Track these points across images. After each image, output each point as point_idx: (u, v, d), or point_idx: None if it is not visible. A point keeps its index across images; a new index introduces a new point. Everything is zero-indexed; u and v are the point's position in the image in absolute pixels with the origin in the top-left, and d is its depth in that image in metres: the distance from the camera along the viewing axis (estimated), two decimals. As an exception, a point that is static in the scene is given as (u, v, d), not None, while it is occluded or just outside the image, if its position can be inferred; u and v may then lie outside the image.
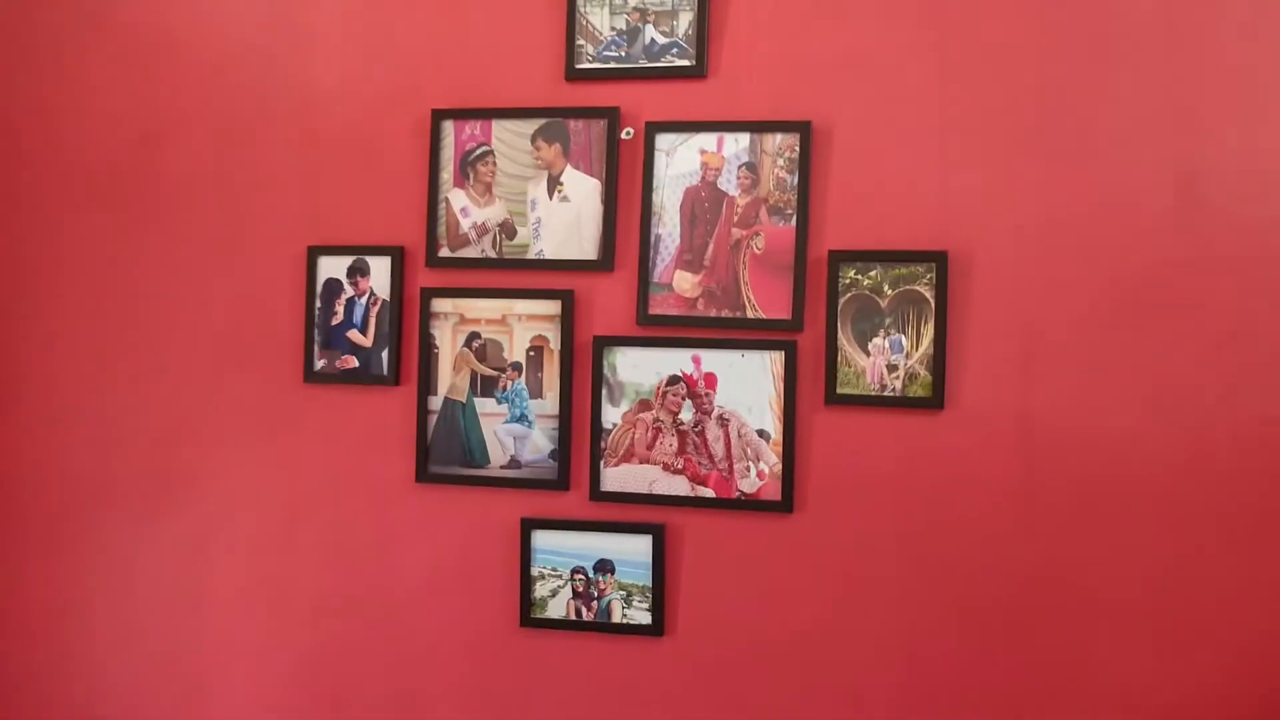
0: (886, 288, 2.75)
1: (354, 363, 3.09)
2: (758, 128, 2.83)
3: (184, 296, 3.18)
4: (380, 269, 3.06)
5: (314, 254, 3.10)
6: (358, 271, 3.08)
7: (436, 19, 3.05)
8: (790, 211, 2.82)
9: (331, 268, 3.09)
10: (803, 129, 2.81)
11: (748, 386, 2.81)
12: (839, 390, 2.75)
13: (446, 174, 3.03)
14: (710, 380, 2.84)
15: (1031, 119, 2.69)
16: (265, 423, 3.14)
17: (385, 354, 3.06)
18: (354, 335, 3.09)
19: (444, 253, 3.02)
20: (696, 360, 2.85)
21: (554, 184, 2.97)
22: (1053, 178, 2.68)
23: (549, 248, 2.97)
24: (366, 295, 3.08)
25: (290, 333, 3.13)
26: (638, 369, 2.89)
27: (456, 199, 3.01)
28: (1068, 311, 2.67)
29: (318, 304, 3.10)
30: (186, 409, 3.18)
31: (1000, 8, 2.71)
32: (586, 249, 2.94)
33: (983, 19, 2.72)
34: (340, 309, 3.10)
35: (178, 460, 3.19)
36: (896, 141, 2.78)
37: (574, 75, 2.96)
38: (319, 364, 3.11)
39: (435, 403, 3.03)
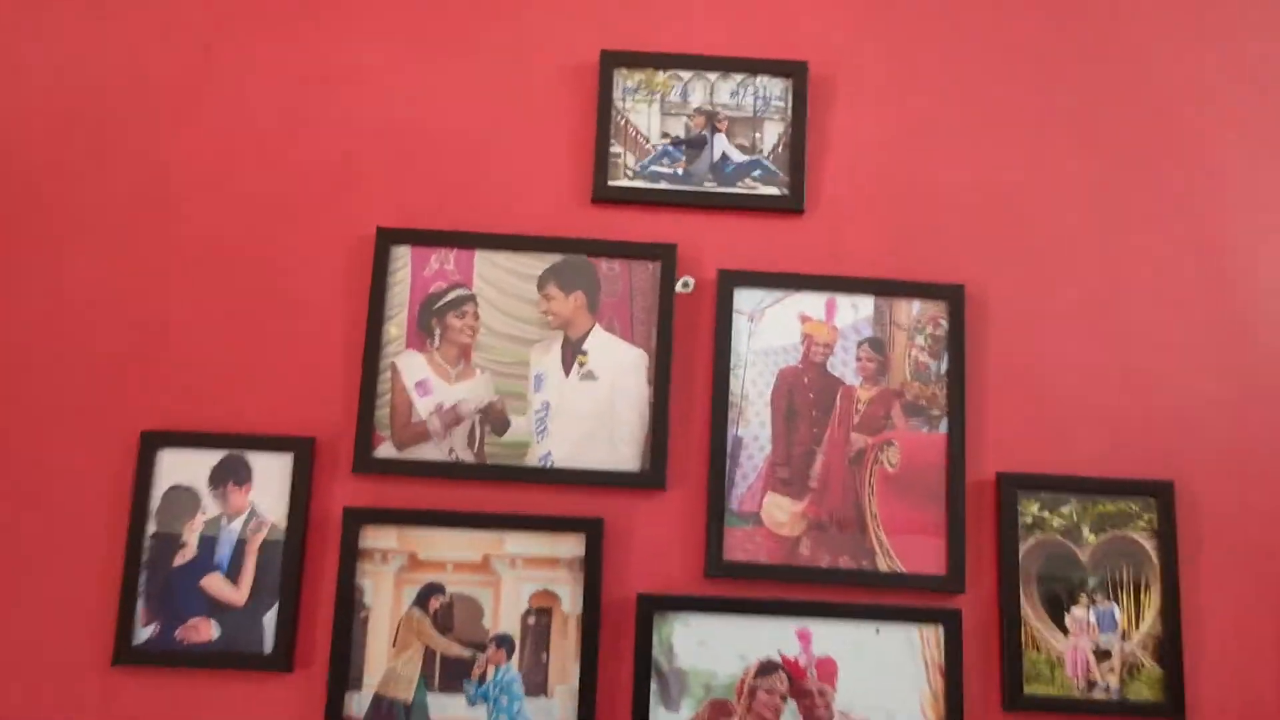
0: (1087, 531, 1.92)
1: (213, 632, 1.87)
2: (887, 288, 2.00)
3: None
4: (271, 474, 1.90)
5: (150, 445, 1.91)
6: (229, 476, 1.92)
7: (391, 98, 2.08)
8: (938, 412, 1.98)
9: (181, 468, 1.91)
10: (953, 295, 2.01)
11: (886, 679, 1.85)
12: (1026, 688, 1.84)
13: (395, 326, 1.99)
14: (826, 669, 1.86)
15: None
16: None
17: (271, 618, 1.87)
18: (214, 584, 1.88)
19: (384, 451, 1.92)
20: (804, 636, 1.87)
21: (573, 352, 1.99)
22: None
23: (562, 450, 1.94)
24: (243, 517, 1.91)
25: (98, 579, 1.90)
26: (708, 649, 1.86)
27: (410, 366, 1.96)
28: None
29: (150, 529, 1.89)
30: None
31: (1167, 147, 2.11)
32: (623, 454, 1.94)
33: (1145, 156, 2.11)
34: (192, 539, 1.90)
35: None
36: (1078, 314, 2.04)
37: (606, 196, 2.03)
38: (144, 633, 1.87)
39: (358, 704, 1.84)
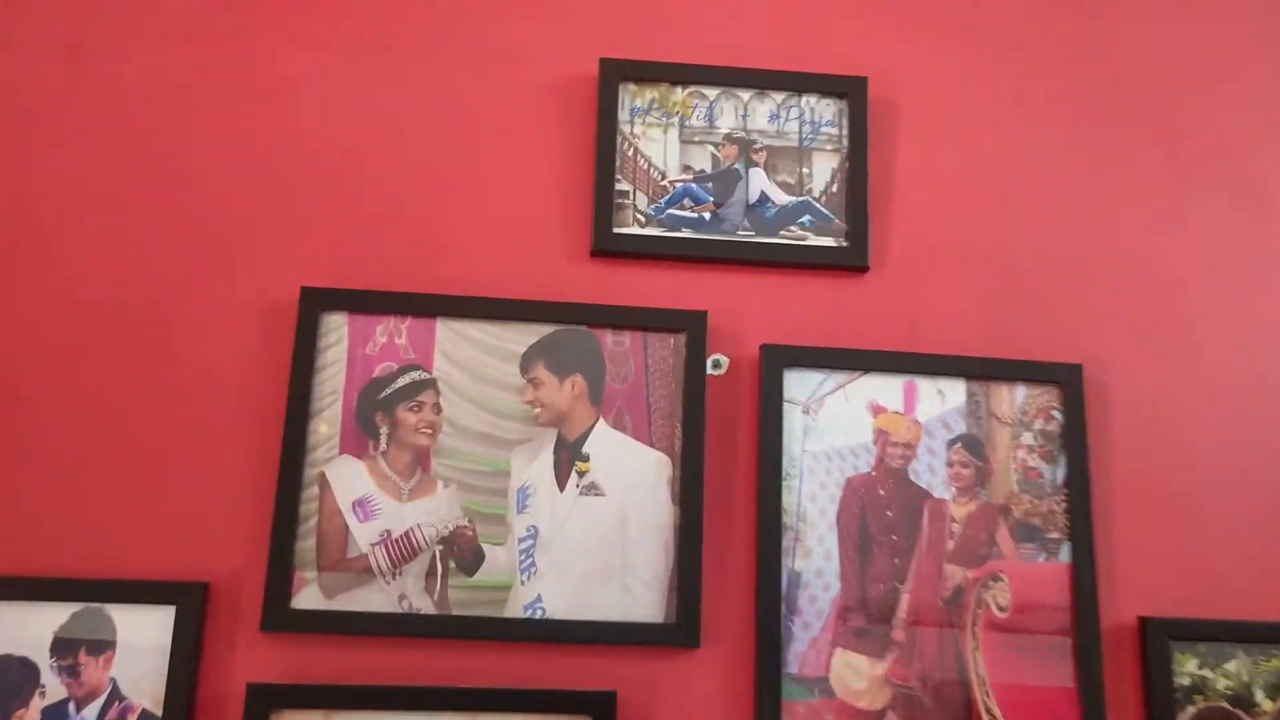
0: (1261, 695, 1.46)
1: None
2: (982, 369, 1.52)
3: None
4: (142, 637, 1.35)
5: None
6: (81, 641, 1.36)
7: (326, 119, 1.57)
8: (1057, 535, 1.50)
9: (11, 630, 1.35)
10: (1068, 378, 1.54)
11: None
12: None
13: (326, 423, 1.46)
14: None
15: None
16: None
17: None
18: (54, 801, 1.34)
19: (307, 598, 1.38)
20: None
21: (569, 458, 1.47)
22: None
23: (557, 595, 1.41)
24: (100, 702, 1.33)
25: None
26: None
27: (346, 479, 1.42)
28: None
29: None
30: None
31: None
32: (641, 600, 1.42)
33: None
34: (24, 733, 1.36)
35: None
36: (1229, 403, 1.58)
37: (610, 248, 1.54)
38: None
39: None
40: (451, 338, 1.49)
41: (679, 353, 1.51)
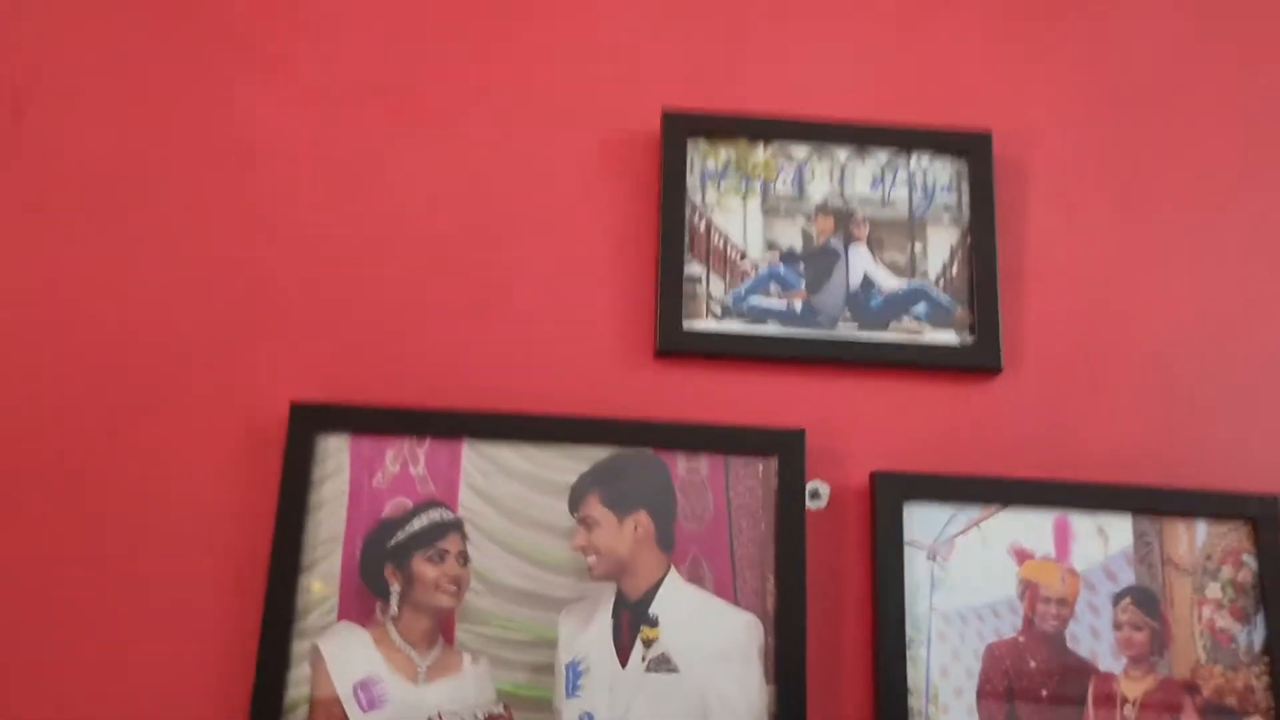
0: None
1: None
2: (1153, 502, 1.20)
3: None
4: None
5: None
6: None
7: (320, 190, 1.27)
8: (1258, 718, 1.22)
9: None
10: (1263, 510, 1.23)
11: None
12: None
13: (321, 579, 1.14)
14: None
15: None
16: None
17: None
18: None
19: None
20: None
21: (633, 620, 1.15)
22: None
23: (618, 806, 1.14)
24: None
25: None
26: None
27: (346, 652, 1.10)
28: None
29: None
30: None
31: None
32: (728, 812, 1.15)
33: None
34: None
35: None
36: None
37: (679, 346, 1.24)
38: None
39: None
40: (482, 466, 1.18)
41: (769, 482, 1.20)
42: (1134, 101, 1.39)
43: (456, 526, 1.16)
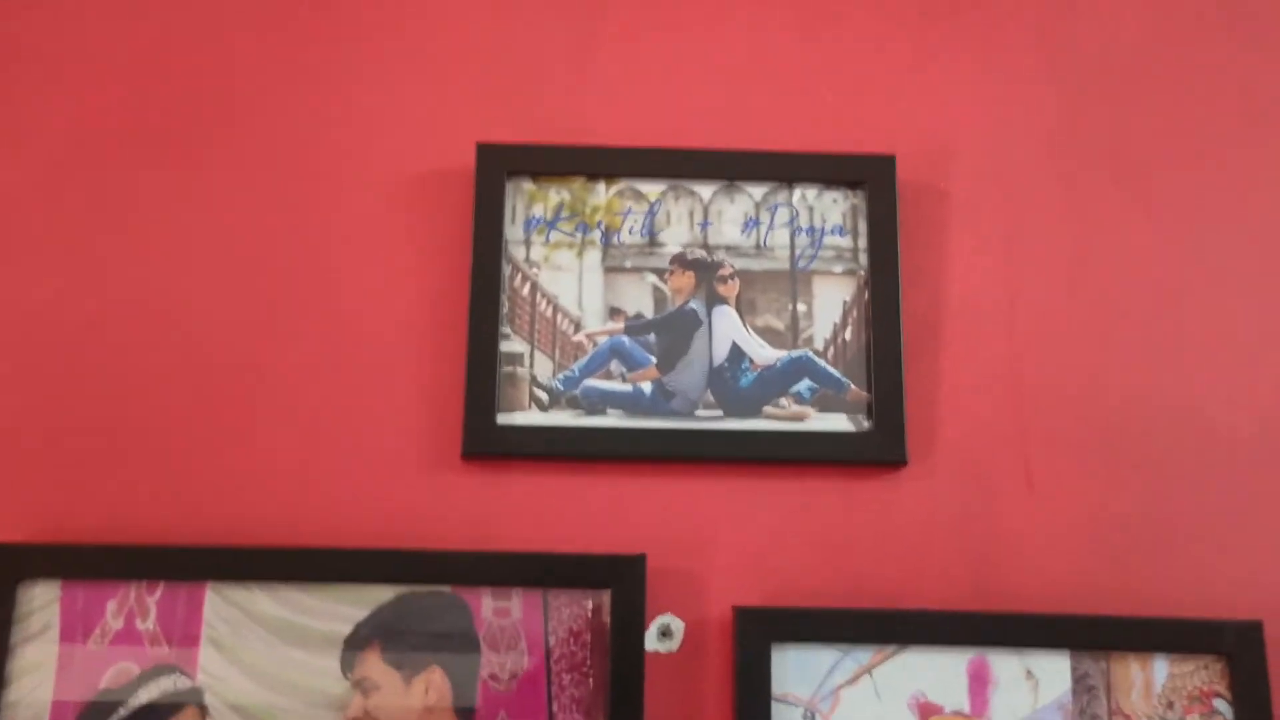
0: None
1: None
2: (1098, 635, 0.94)
3: None
4: None
5: None
6: None
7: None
8: None
9: None
10: (1239, 637, 0.95)
11: None
12: None
13: (21, 771, 0.96)
14: None
15: None
16: None
17: None
18: None
19: None
20: None
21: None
22: None
23: None
24: None
25: None
26: None
27: None
28: None
29: None
30: None
31: None
32: None
33: None
34: None
35: None
36: None
37: (489, 448, 0.99)
38: None
39: None
40: (229, 615, 0.94)
41: (601, 622, 0.97)
42: (1081, 110, 1.12)
43: (194, 697, 0.93)
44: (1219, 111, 1.13)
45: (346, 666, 0.94)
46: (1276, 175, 1.12)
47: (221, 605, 0.95)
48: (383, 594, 0.96)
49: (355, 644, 0.95)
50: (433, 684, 0.95)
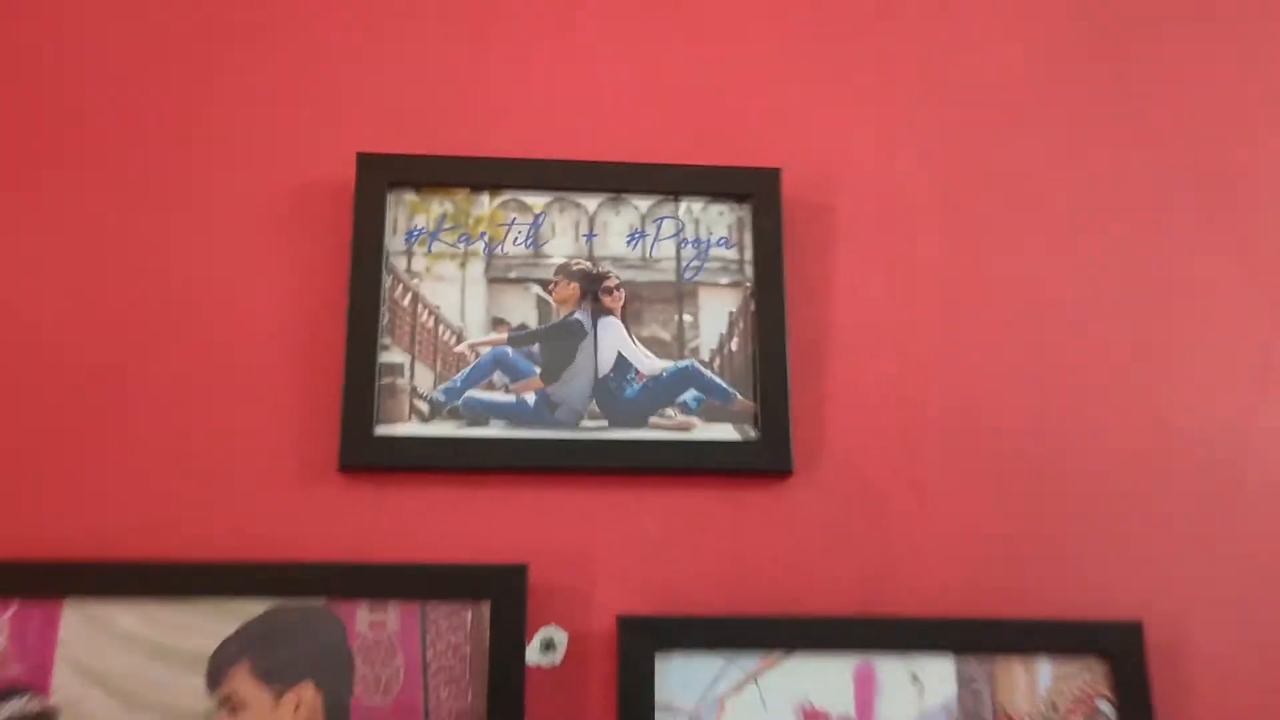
0: None
1: None
2: (979, 638, 0.97)
3: None
4: None
5: None
6: None
7: None
8: None
9: None
10: (1122, 638, 0.98)
11: None
12: None
13: None
14: None
15: None
16: None
17: None
18: None
19: None
20: None
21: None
22: None
23: None
24: None
25: None
26: None
27: None
28: None
29: None
30: None
31: None
32: None
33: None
34: None
35: None
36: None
37: (366, 461, 0.99)
38: None
39: None
40: (86, 634, 0.92)
41: (481, 635, 0.97)
42: (962, 132, 1.19)
43: (48, 719, 0.93)
44: (1095, 134, 1.21)
45: (213, 682, 0.93)
46: (1153, 196, 1.20)
47: (78, 622, 0.93)
48: (253, 608, 0.95)
49: (222, 659, 0.93)
50: (304, 700, 0.94)
